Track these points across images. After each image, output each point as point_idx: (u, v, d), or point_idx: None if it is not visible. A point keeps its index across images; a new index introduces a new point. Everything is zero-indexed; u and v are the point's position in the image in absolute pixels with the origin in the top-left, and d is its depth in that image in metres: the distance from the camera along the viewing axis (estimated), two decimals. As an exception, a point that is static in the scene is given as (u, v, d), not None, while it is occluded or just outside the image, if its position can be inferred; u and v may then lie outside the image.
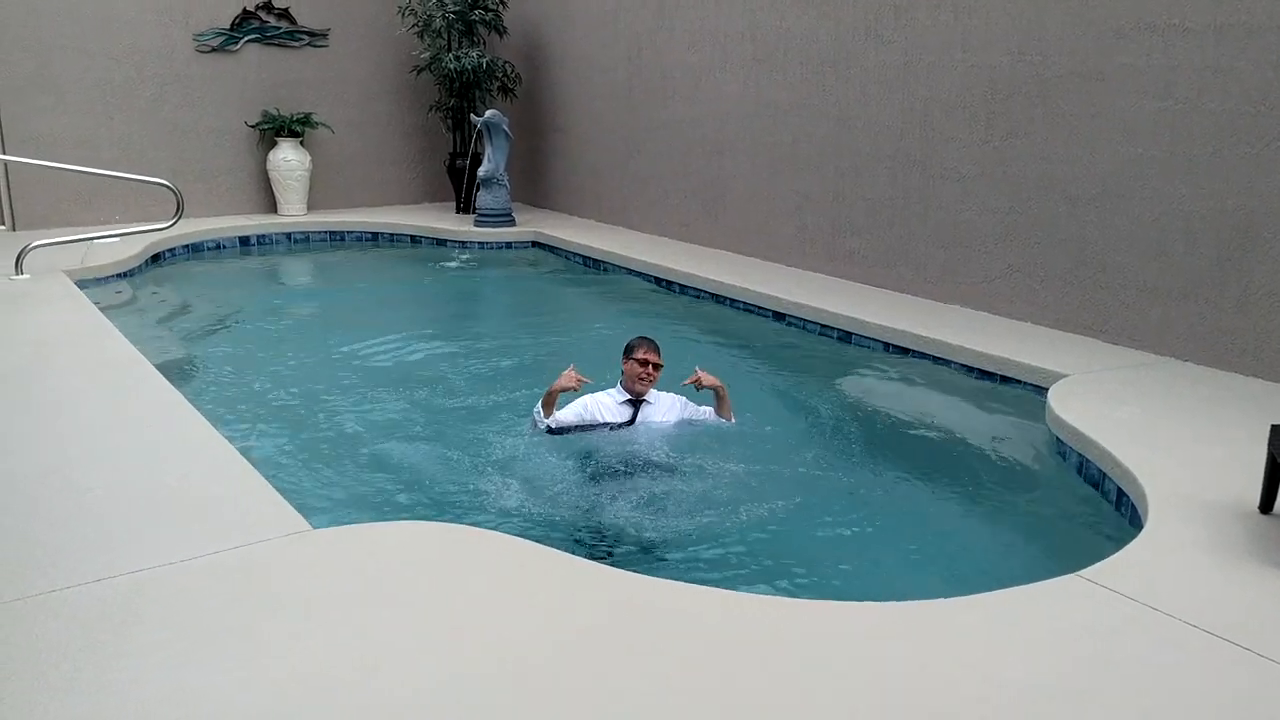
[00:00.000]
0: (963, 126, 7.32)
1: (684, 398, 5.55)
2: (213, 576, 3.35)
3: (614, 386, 5.47)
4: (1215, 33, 5.84)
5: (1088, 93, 6.50)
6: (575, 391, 5.34)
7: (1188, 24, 5.96)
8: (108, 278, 8.79)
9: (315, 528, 3.72)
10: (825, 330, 7.50)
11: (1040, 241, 6.89)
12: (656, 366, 5.31)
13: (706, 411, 5.56)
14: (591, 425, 5.31)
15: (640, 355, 5.29)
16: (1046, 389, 5.69)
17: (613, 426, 5.33)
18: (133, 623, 3.05)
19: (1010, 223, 7.08)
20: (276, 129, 11.77)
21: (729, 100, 9.44)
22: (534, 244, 11.17)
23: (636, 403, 5.38)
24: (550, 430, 5.30)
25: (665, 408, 5.47)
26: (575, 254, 10.50)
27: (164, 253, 10.23)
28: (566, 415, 5.31)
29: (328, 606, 3.19)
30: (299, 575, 3.40)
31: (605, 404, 5.39)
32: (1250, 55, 5.71)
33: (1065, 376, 5.81)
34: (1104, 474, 4.76)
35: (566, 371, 5.32)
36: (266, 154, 11.87)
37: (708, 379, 5.45)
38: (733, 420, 5.56)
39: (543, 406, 5.31)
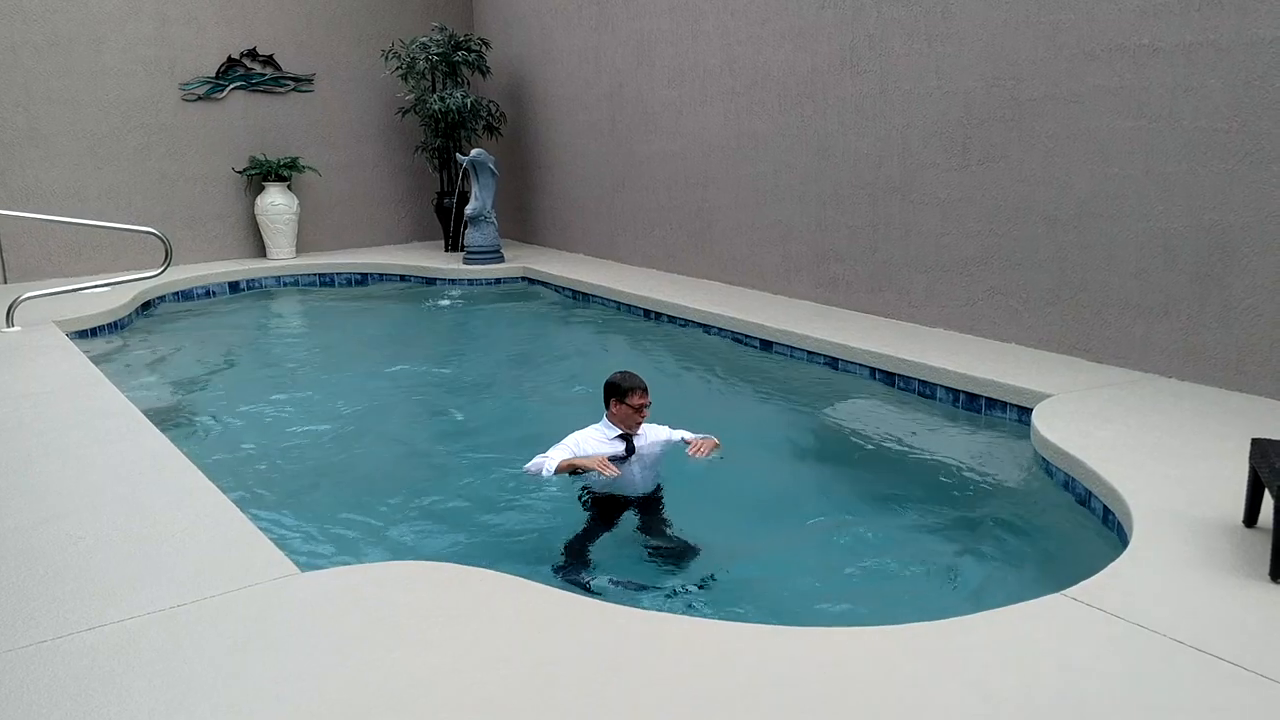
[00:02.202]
0: (940, 152, 7.40)
1: (667, 425, 5.53)
2: (203, 622, 3.37)
3: (599, 422, 5.39)
4: (1185, 52, 5.93)
5: (1062, 115, 6.59)
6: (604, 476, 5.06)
7: (1158, 44, 6.05)
8: (98, 328, 8.82)
9: (304, 570, 3.74)
10: (812, 356, 7.55)
11: (1021, 263, 6.96)
12: (648, 406, 5.28)
13: (687, 434, 5.53)
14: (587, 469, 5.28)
15: (635, 401, 5.18)
16: (1031, 409, 5.73)
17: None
18: (123, 671, 3.07)
19: (990, 245, 7.15)
20: (264, 174, 11.85)
21: (710, 133, 9.54)
22: (523, 279, 11.23)
23: (627, 436, 5.36)
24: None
25: (653, 435, 5.44)
26: (564, 288, 10.56)
27: (154, 300, 10.27)
28: (561, 453, 5.20)
29: (318, 649, 3.21)
30: (288, 619, 3.41)
31: (596, 441, 5.36)
32: (1220, 73, 5.79)
33: (1049, 396, 5.85)
34: (1090, 492, 4.79)
35: (604, 459, 5.03)
36: (254, 199, 11.95)
37: (705, 449, 5.26)
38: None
39: (555, 467, 5.05)
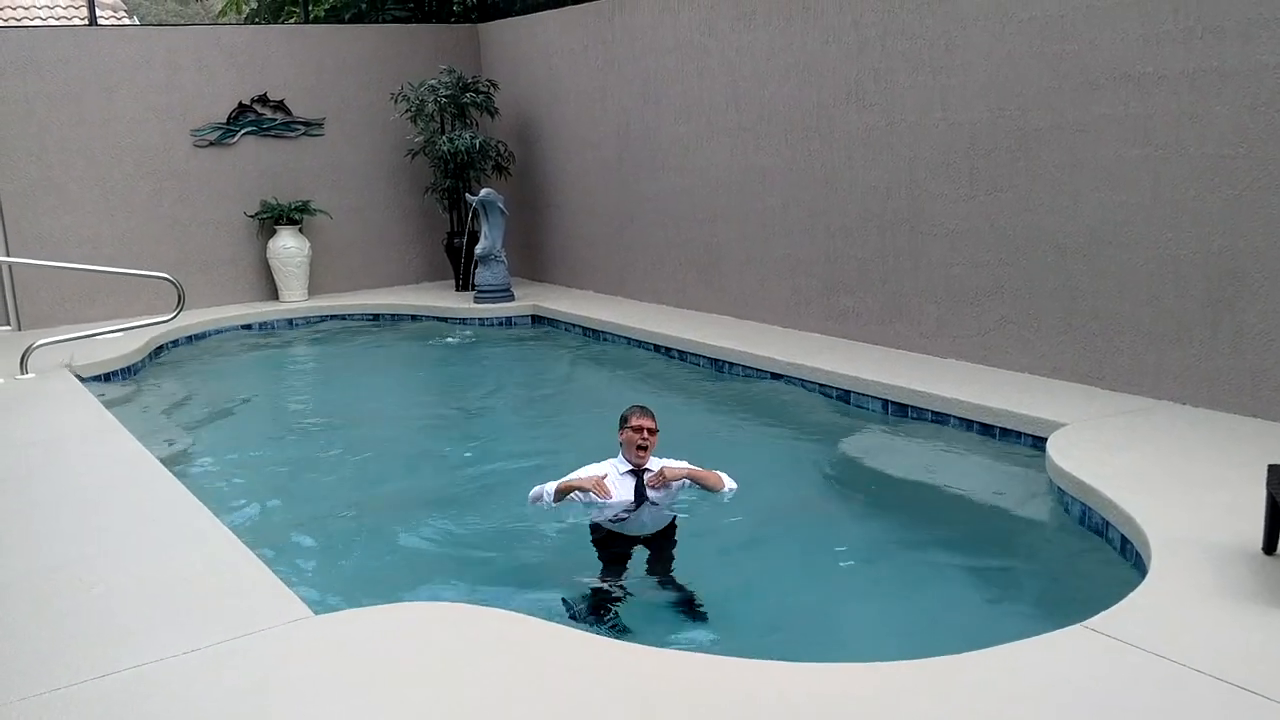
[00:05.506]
0: (947, 183, 7.42)
1: (685, 461, 5.52)
2: (215, 667, 3.35)
3: (615, 456, 5.43)
4: (1189, 79, 5.95)
5: (1068, 144, 6.60)
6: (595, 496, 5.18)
7: (1162, 72, 6.07)
8: (112, 373, 8.86)
9: (317, 613, 3.73)
10: (824, 390, 7.53)
11: (1031, 292, 6.95)
12: (652, 432, 5.28)
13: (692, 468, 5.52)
14: (595, 503, 5.29)
15: (635, 423, 5.25)
16: (1046, 438, 5.70)
17: (624, 510, 5.27)
18: (137, 718, 3.05)
19: (1000, 275, 7.14)
20: (275, 217, 11.94)
21: (718, 169, 9.58)
22: (534, 318, 11.25)
23: (639, 472, 5.35)
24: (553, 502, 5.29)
25: (660, 466, 5.42)
26: (575, 325, 10.58)
27: (167, 345, 10.32)
28: (571, 479, 5.28)
29: (332, 693, 3.19)
30: (302, 662, 3.40)
31: (608, 474, 5.37)
32: (1225, 100, 5.81)
33: (1064, 425, 5.82)
34: (1106, 522, 4.76)
35: (598, 480, 5.15)
36: (266, 242, 12.02)
37: (670, 474, 5.27)
38: (723, 489, 5.36)
39: (554, 492, 5.17)
